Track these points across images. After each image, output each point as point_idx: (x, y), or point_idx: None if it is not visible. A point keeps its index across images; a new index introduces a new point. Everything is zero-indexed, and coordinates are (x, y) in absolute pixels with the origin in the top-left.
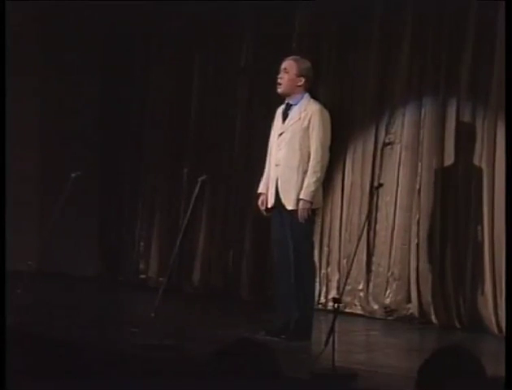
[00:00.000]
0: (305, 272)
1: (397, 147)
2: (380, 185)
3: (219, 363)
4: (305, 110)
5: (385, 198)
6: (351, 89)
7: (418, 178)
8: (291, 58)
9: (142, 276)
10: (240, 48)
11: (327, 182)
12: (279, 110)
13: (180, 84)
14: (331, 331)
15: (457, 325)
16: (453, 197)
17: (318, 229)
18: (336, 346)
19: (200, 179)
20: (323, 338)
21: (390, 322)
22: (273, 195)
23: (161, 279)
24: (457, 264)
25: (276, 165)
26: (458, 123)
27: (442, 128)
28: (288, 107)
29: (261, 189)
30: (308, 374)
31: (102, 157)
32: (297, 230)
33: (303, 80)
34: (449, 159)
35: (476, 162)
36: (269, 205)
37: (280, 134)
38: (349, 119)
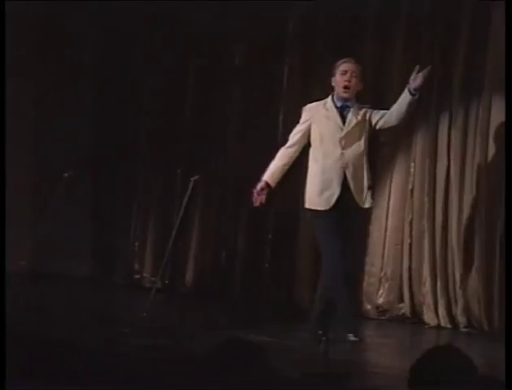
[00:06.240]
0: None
1: (390, 147)
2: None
3: (213, 363)
4: (359, 112)
5: (378, 198)
6: None
7: (411, 178)
8: (353, 60)
9: (137, 276)
10: (235, 48)
11: None
12: (334, 110)
13: (173, 85)
14: (326, 331)
15: (449, 325)
16: (446, 198)
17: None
18: (330, 346)
19: (193, 179)
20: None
21: (383, 322)
22: (336, 195)
23: (153, 278)
24: (450, 264)
25: (342, 167)
26: (452, 123)
27: (435, 129)
28: (343, 109)
29: (266, 177)
30: (302, 375)
31: (95, 157)
32: (357, 230)
33: (361, 85)
34: (442, 160)
35: (469, 162)
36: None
37: (342, 136)
38: None
